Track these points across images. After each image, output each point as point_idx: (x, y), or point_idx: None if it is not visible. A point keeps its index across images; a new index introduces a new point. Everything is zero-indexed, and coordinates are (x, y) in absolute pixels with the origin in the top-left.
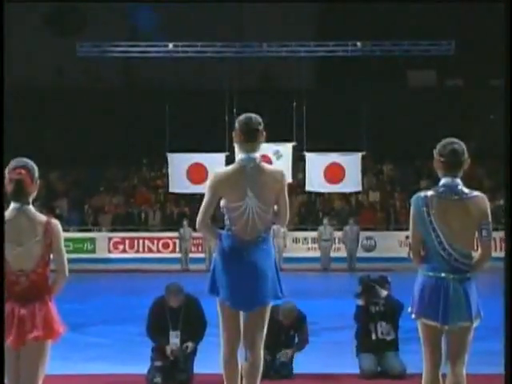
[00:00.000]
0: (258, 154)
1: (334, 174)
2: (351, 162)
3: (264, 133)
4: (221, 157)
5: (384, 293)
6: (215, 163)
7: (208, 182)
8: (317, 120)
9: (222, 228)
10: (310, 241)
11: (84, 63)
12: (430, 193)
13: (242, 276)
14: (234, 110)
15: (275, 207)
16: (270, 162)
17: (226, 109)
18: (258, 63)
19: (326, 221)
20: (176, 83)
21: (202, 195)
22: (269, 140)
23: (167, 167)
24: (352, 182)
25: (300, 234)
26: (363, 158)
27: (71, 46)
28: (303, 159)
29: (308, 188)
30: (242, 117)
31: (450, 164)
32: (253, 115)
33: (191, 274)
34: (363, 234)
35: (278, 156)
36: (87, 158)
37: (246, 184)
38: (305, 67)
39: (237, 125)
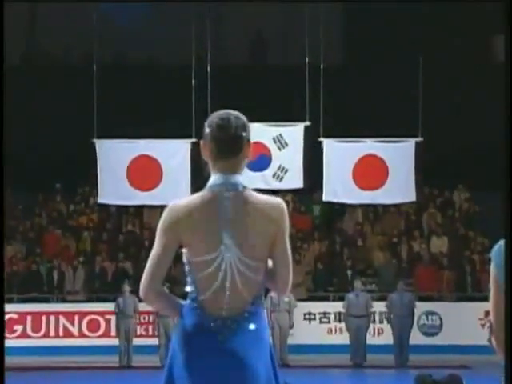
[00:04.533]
0: (241, 177)
1: (371, 173)
2: (399, 154)
3: (251, 141)
4: (183, 146)
5: None
6: (175, 157)
7: (161, 222)
8: (341, 94)
9: (184, 297)
10: (332, 317)
11: None
12: None
13: (217, 376)
14: (208, 78)
15: (269, 263)
16: (267, 153)
17: (193, 72)
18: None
19: (358, 284)
20: (111, 51)
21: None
22: (265, 119)
23: (96, 179)
24: (400, 187)
25: (316, 307)
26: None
27: None
28: (319, 154)
29: (327, 198)
30: (215, 117)
31: None
32: (233, 113)
33: (135, 371)
34: (421, 307)
35: (280, 144)
36: None
37: (221, 225)
38: (323, 12)
39: (207, 129)
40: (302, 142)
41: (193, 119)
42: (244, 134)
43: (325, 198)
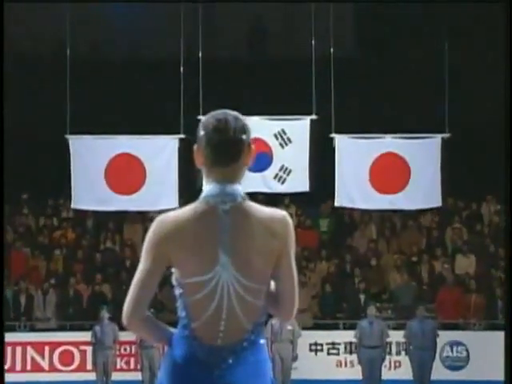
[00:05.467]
0: (240, 187)
1: (390, 174)
2: (422, 152)
3: (252, 146)
4: (170, 143)
5: None
6: (160, 155)
7: (147, 237)
8: (354, 83)
9: (174, 324)
10: (342, 349)
11: None
12: None
13: None
14: (200, 67)
15: (272, 285)
16: (268, 152)
17: (182, 60)
18: None
19: (372, 310)
20: (88, 40)
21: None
22: (265, 113)
23: (70, 187)
24: (424, 191)
25: (323, 336)
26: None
27: None
28: (329, 150)
29: (339, 203)
30: (211, 117)
31: None
32: (231, 114)
33: None
34: (445, 336)
35: (283, 141)
36: None
37: (217, 241)
38: None
39: (201, 132)
40: (307, 138)
41: (181, 112)
42: (244, 136)
43: (337, 203)
